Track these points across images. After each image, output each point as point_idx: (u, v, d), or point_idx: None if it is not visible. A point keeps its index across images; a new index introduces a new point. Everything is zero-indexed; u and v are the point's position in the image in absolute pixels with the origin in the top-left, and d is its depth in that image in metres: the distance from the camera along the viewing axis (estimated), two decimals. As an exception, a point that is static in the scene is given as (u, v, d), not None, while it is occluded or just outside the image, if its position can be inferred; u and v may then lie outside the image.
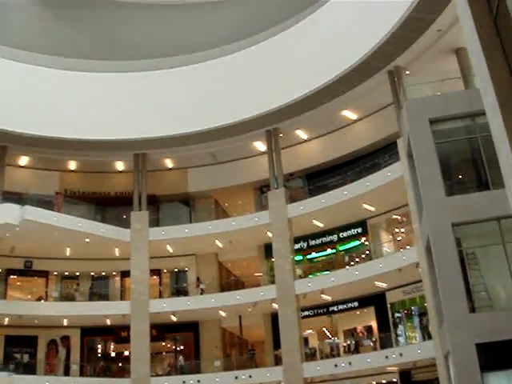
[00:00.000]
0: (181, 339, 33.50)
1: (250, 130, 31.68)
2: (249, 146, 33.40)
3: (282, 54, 30.30)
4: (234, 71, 31.61)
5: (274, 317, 29.42)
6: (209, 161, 34.77)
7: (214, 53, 32.77)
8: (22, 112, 30.24)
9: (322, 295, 28.75)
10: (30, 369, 29.87)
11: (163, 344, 33.55)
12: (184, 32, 33.79)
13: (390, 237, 29.80)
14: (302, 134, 32.55)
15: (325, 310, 30.55)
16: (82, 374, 31.29)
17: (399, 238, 29.23)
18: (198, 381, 28.94)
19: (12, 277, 32.61)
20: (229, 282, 33.54)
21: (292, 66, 29.57)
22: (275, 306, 28.96)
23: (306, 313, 30.04)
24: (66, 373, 31.40)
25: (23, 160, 33.35)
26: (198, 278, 32.59)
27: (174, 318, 31.28)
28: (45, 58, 32.03)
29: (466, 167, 18.37)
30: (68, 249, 32.13)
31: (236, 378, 28.58)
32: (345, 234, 30.52)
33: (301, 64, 29.19)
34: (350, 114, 30.75)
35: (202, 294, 31.43)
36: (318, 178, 31.52)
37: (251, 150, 33.68)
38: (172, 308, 30.73)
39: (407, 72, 26.30)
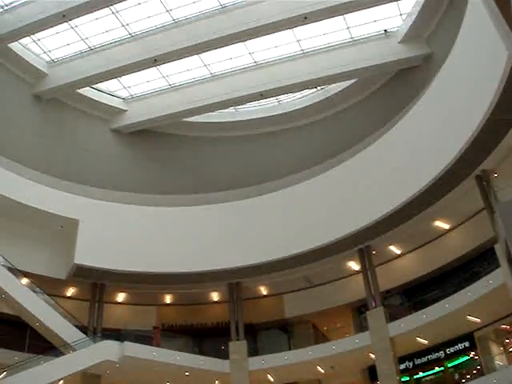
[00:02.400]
0: None
1: (342, 250, 31.25)
2: (342, 266, 32.82)
3: (366, 170, 30.39)
4: (320, 193, 31.84)
5: None
6: (303, 284, 34.34)
7: (299, 177, 33.41)
8: (116, 249, 31.49)
9: (435, 417, 26.83)
10: None
11: None
12: (267, 159, 34.85)
13: (501, 348, 27.85)
14: (395, 250, 31.78)
15: (440, 434, 28.29)
16: None
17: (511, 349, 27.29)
18: None
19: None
20: (335, 410, 32.06)
21: (377, 181, 29.49)
22: (387, 434, 27.14)
23: None
24: None
25: (120, 296, 34.21)
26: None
27: None
28: (134, 196, 33.89)
29: None
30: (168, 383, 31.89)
31: None
32: (452, 350, 28.49)
33: (386, 179, 29.09)
34: (442, 224, 29.82)
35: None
36: (417, 293, 30.31)
37: (345, 270, 33.05)
38: None
39: (495, 174, 25.60)
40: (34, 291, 28.95)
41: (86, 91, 34.95)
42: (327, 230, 30.65)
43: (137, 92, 36.17)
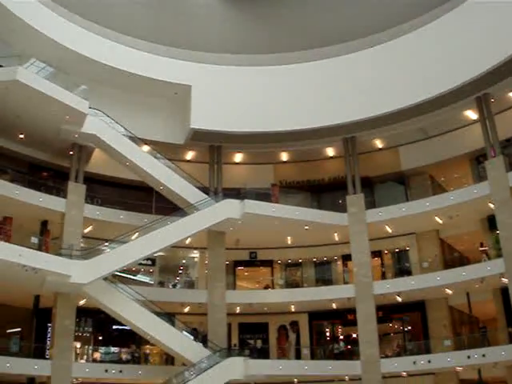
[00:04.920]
0: (408, 320, 32.93)
1: (459, 99, 30.07)
2: (459, 115, 31.65)
3: (483, 13, 28.41)
4: (435, 41, 30.37)
5: (505, 292, 27.53)
6: (419, 136, 33.74)
7: (410, 26, 31.93)
8: (230, 111, 32.24)
9: (555, 266, 26.42)
10: (263, 353, 31.76)
11: (390, 325, 33.33)
12: (376, 10, 33.25)
13: None
14: (515, 96, 30.21)
15: (559, 283, 27.90)
16: (313, 357, 32.47)
17: None
18: (429, 361, 28.26)
19: (239, 268, 34.90)
20: (452, 258, 32.36)
21: (495, 24, 27.59)
22: (505, 280, 27.19)
23: (538, 285, 27.86)
24: (297, 356, 32.85)
25: (237, 157, 35.40)
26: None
27: (399, 299, 30.92)
28: (244, 58, 33.76)
29: None
30: (289, 237, 33.39)
31: (468, 357, 27.04)
32: None
33: (505, 21, 27.10)
34: None
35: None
36: (540, 141, 29.18)
37: (462, 120, 31.89)
38: (396, 289, 30.38)
39: None
40: (156, 157, 30.60)
41: (186, -43, 34.22)
42: (443, 78, 29.43)
43: (238, -48, 34.94)
